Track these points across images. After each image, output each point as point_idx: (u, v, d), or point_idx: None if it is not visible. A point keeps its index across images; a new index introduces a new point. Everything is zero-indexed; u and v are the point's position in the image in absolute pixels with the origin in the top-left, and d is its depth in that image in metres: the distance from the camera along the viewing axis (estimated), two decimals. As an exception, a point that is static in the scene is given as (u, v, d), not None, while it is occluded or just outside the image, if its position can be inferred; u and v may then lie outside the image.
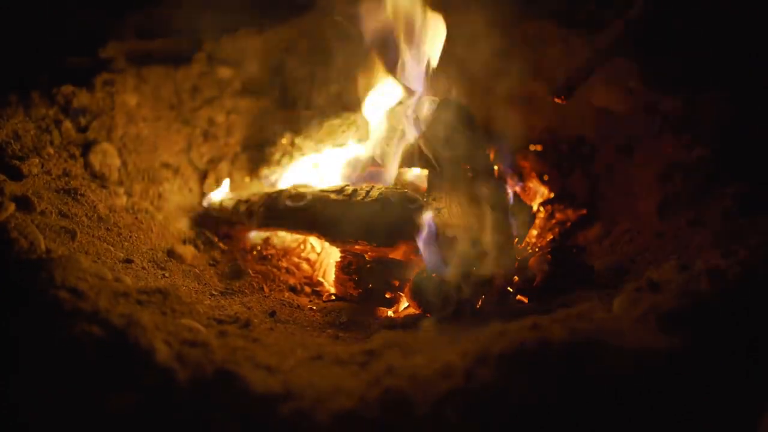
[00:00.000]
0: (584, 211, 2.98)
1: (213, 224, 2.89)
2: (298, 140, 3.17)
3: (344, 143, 2.93)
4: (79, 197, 2.49)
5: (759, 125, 2.69)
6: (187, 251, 2.57)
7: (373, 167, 2.76)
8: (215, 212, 2.90)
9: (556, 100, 2.87)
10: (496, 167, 2.80)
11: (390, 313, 2.46)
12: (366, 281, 2.46)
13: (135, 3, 3.47)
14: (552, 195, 3.10)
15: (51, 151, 2.70)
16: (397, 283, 2.43)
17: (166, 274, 2.38)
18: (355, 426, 1.29)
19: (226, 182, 3.04)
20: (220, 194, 3.00)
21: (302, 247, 2.89)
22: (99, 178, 2.83)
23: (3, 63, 3.06)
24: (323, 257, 2.82)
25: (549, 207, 3.07)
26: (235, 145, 3.47)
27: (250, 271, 2.55)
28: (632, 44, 2.90)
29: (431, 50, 2.77)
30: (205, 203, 2.96)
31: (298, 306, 2.40)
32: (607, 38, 2.84)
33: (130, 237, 2.51)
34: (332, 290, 2.60)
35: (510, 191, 2.77)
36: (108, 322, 1.48)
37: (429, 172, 2.57)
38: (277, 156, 3.27)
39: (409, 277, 2.39)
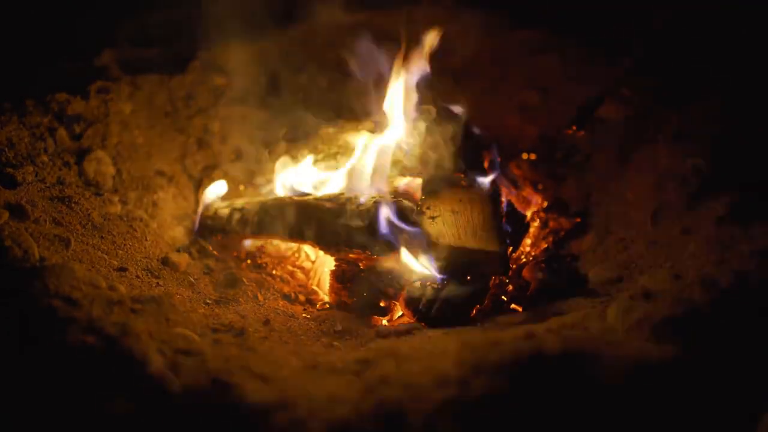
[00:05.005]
0: (578, 220, 2.99)
1: (207, 232, 2.89)
2: (292, 148, 3.17)
3: (339, 152, 2.93)
4: (73, 205, 2.48)
5: (752, 134, 2.71)
6: (182, 259, 2.56)
7: (368, 176, 2.76)
8: (210, 219, 2.89)
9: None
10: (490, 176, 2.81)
11: (384, 321, 2.46)
12: (360, 290, 2.46)
13: (130, 11, 3.47)
14: (546, 204, 3.11)
15: (45, 158, 2.70)
16: (391, 292, 2.43)
17: (161, 283, 2.38)
18: (349, 436, 1.29)
19: (222, 183, 3.01)
20: (216, 193, 2.98)
21: (297, 255, 2.88)
22: (93, 185, 2.82)
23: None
24: (317, 266, 2.82)
25: (543, 215, 3.08)
26: (229, 153, 3.47)
27: (245, 280, 2.55)
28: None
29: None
30: (200, 207, 2.95)
31: (293, 314, 2.40)
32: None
33: (125, 245, 2.50)
34: (327, 299, 2.60)
35: (504, 200, 2.78)
36: (102, 330, 1.48)
37: (423, 181, 2.58)
38: (271, 164, 3.28)
39: (404, 286, 2.39)
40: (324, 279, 2.69)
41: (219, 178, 3.33)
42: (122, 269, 2.31)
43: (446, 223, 2.40)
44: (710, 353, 1.40)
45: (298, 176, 3.00)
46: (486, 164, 2.92)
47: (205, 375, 1.44)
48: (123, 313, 1.63)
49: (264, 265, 2.75)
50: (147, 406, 1.35)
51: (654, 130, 3.04)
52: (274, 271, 2.72)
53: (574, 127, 3.01)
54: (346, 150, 2.89)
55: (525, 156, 3.45)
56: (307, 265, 2.86)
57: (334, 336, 2.24)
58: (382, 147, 2.69)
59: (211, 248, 2.82)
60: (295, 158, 3.10)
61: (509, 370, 1.31)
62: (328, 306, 2.54)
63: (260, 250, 2.87)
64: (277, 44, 3.85)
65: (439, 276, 2.35)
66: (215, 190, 2.97)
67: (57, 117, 2.90)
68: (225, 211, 2.85)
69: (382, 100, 2.84)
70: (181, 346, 1.55)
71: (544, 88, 3.71)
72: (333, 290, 2.53)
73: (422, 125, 2.56)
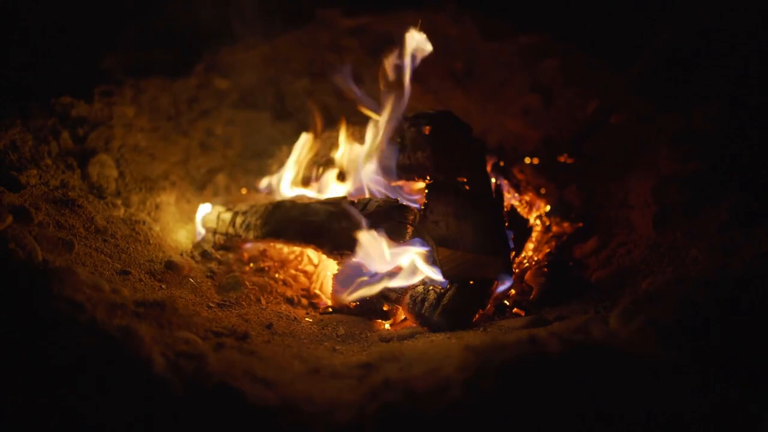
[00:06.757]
0: (580, 224, 2.99)
1: (211, 236, 2.90)
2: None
3: (341, 155, 2.93)
4: (76, 208, 2.49)
5: (754, 138, 2.71)
6: (185, 263, 2.56)
7: (369, 180, 2.76)
8: (211, 231, 2.90)
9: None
10: (493, 180, 2.82)
11: (387, 325, 2.46)
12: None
13: (134, 14, 3.48)
14: (549, 208, 3.11)
15: (49, 161, 2.71)
16: (394, 296, 2.42)
17: (164, 286, 2.38)
18: (352, 440, 1.29)
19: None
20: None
21: (299, 259, 2.88)
22: (96, 189, 2.83)
23: (1, 73, 3.07)
24: (320, 269, 2.82)
25: (545, 220, 3.08)
26: (232, 156, 3.48)
27: (247, 283, 2.55)
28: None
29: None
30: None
31: (295, 318, 2.40)
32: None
33: (128, 248, 2.51)
34: (329, 302, 2.60)
35: (507, 204, 2.78)
36: (105, 334, 1.48)
37: (426, 185, 2.58)
38: (274, 167, 3.28)
39: (406, 290, 2.39)
40: (327, 283, 2.69)
41: (222, 182, 3.34)
42: (125, 272, 2.32)
43: (449, 228, 2.40)
44: (713, 357, 1.40)
45: (301, 180, 3.01)
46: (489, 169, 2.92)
47: (208, 378, 1.44)
48: (126, 317, 1.63)
49: (267, 268, 2.76)
50: (150, 409, 1.35)
51: (655, 133, 3.05)
52: (276, 275, 2.72)
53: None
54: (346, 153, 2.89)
55: (527, 160, 3.45)
56: (309, 268, 2.86)
57: (336, 340, 2.24)
58: (382, 151, 2.70)
59: (213, 252, 2.82)
60: (297, 162, 3.11)
61: (512, 374, 1.31)
62: (330, 310, 2.54)
63: (263, 253, 2.87)
64: (280, 48, 3.86)
65: (441, 280, 2.35)
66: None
67: (61, 120, 2.91)
68: (228, 215, 2.86)
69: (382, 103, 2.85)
70: (184, 349, 1.55)
71: (547, 92, 3.72)
72: (336, 294, 2.53)
73: (425, 129, 2.55)
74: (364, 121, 2.85)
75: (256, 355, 1.75)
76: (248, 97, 3.67)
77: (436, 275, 2.35)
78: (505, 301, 2.51)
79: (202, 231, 2.94)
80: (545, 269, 2.59)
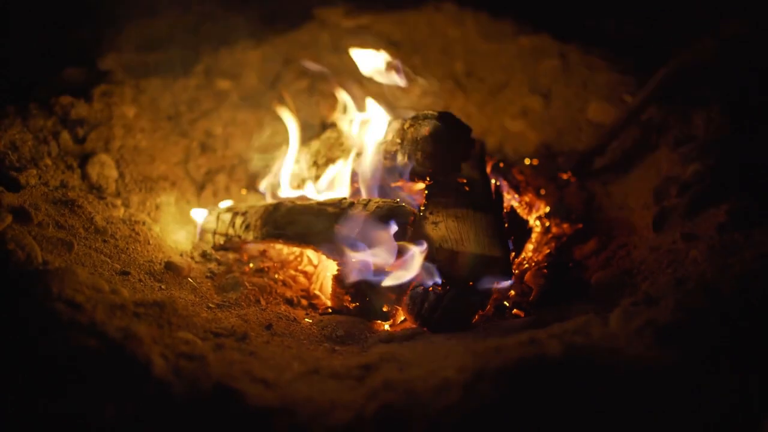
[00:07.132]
0: (580, 226, 2.99)
1: (210, 237, 2.90)
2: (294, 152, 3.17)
3: (342, 156, 2.93)
4: (76, 208, 2.49)
5: (754, 140, 2.71)
6: (184, 263, 2.56)
7: (369, 180, 2.76)
8: (211, 232, 2.91)
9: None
10: (493, 181, 2.82)
11: (387, 326, 2.46)
12: (363, 294, 2.46)
13: (134, 15, 3.48)
14: (548, 209, 3.11)
15: (49, 162, 2.71)
16: (393, 297, 2.42)
17: (163, 287, 2.38)
18: (352, 441, 1.29)
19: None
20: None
21: (299, 259, 2.88)
22: (96, 189, 2.83)
23: (1, 73, 3.07)
24: (320, 270, 2.82)
25: (545, 221, 3.08)
26: (232, 157, 3.47)
27: (247, 284, 2.55)
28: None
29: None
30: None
31: (295, 319, 2.40)
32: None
33: (127, 249, 2.50)
34: (329, 303, 2.59)
35: (507, 205, 2.78)
36: (105, 334, 1.48)
37: (426, 186, 2.58)
38: (274, 168, 3.28)
39: (406, 291, 2.39)
40: (326, 283, 2.69)
41: (222, 182, 3.34)
42: (125, 273, 2.32)
43: (449, 229, 2.40)
44: (712, 359, 1.40)
45: (300, 180, 3.01)
46: (489, 170, 2.93)
47: (208, 379, 1.44)
48: (126, 317, 1.63)
49: (266, 269, 2.76)
50: (149, 410, 1.35)
51: (656, 135, 3.05)
52: (276, 276, 2.72)
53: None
54: (349, 154, 2.89)
55: (527, 161, 3.45)
56: (309, 269, 2.85)
57: (336, 341, 2.24)
58: (382, 152, 2.70)
59: (213, 252, 2.82)
60: (297, 162, 3.11)
61: (512, 376, 1.31)
62: (330, 311, 2.54)
63: (262, 254, 2.87)
64: (280, 48, 3.86)
65: (441, 281, 2.35)
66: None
67: (61, 120, 2.90)
68: (227, 216, 2.86)
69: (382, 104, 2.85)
70: (183, 350, 1.55)
71: (547, 94, 3.72)
72: (335, 295, 2.53)
73: (425, 129, 2.55)
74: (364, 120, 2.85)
75: (255, 355, 1.75)
76: (248, 97, 3.67)
77: (436, 276, 2.35)
78: (505, 302, 2.52)
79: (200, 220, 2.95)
80: (545, 270, 2.59)
